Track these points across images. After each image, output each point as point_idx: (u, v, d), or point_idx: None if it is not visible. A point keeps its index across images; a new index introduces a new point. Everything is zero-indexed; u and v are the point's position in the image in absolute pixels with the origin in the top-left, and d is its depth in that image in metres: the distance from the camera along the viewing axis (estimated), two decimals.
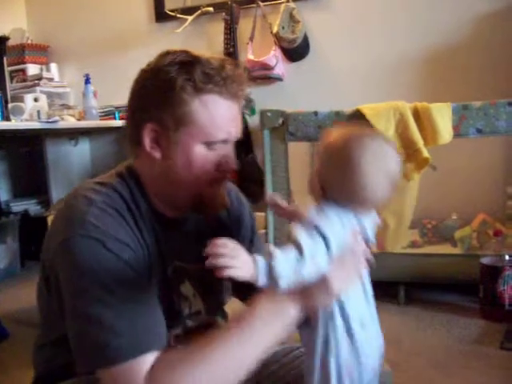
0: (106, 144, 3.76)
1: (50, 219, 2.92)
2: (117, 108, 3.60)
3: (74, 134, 3.76)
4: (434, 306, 2.66)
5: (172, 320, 1.05)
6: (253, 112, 3.47)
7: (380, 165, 0.95)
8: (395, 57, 3.28)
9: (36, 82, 3.66)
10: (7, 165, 3.90)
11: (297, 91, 3.39)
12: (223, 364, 0.90)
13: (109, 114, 3.67)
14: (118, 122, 3.55)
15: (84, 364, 0.94)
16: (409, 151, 2.52)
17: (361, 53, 3.36)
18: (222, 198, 1.09)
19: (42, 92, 3.57)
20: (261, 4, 3.48)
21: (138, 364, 0.89)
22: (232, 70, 1.01)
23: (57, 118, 3.19)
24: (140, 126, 1.01)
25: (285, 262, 0.87)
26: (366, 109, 2.60)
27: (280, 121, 2.69)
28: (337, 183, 0.96)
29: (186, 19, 3.64)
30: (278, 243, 0.93)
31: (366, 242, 1.02)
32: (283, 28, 3.36)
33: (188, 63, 0.99)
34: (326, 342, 0.97)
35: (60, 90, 3.85)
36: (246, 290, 1.03)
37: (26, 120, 3.24)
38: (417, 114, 2.54)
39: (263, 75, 3.41)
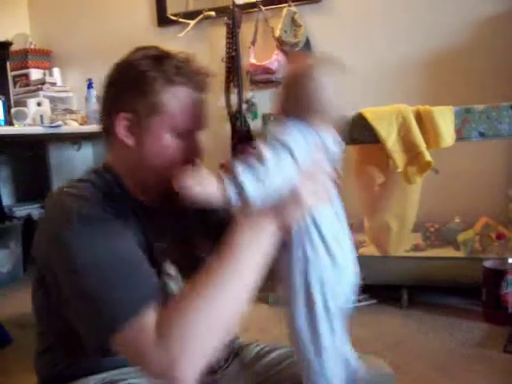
0: None
1: None
2: None
3: (76, 139, 3.77)
4: (437, 309, 2.65)
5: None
6: (255, 116, 3.48)
7: (329, 72, 1.05)
8: (397, 60, 3.29)
9: (39, 86, 3.67)
10: (10, 169, 3.91)
11: None
12: (222, 297, 0.93)
13: None
14: None
15: (94, 339, 0.96)
16: (411, 154, 2.52)
17: (363, 56, 3.36)
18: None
19: (44, 97, 3.59)
20: (263, 8, 3.49)
21: (143, 319, 0.92)
22: (198, 65, 1.10)
23: (60, 122, 3.20)
24: (114, 115, 1.07)
25: (248, 173, 0.91)
26: (368, 112, 2.60)
27: None
28: (295, 96, 1.02)
29: (189, 23, 3.65)
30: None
31: (331, 162, 1.05)
32: (285, 32, 3.37)
33: (159, 57, 1.07)
34: (306, 260, 1.00)
35: (63, 95, 3.86)
36: None
37: (29, 125, 3.25)
38: (419, 118, 2.54)
39: (265, 79, 3.41)
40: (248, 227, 0.98)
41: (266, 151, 0.93)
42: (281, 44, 3.39)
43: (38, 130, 3.20)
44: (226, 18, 3.50)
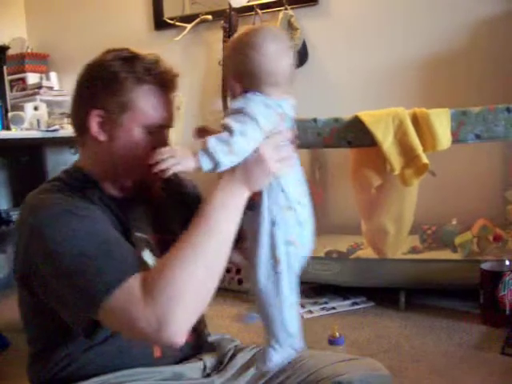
0: None
1: None
2: None
3: (73, 143, 3.73)
4: (435, 311, 2.66)
5: None
6: None
7: (276, 44, 1.10)
8: (394, 63, 3.29)
9: (36, 90, 3.67)
10: (7, 173, 3.90)
11: (295, 98, 3.39)
12: (202, 253, 1.00)
13: None
14: None
15: (81, 314, 1.01)
16: (408, 157, 2.52)
17: (359, 59, 3.37)
18: (160, 182, 1.25)
19: (41, 101, 3.58)
20: (259, 12, 3.49)
21: (130, 284, 0.98)
22: (166, 66, 1.18)
23: (57, 126, 3.20)
24: (87, 112, 1.14)
25: (218, 143, 1.01)
26: (365, 115, 2.61)
27: None
28: (248, 67, 1.08)
29: (185, 27, 3.65)
30: None
31: (290, 127, 1.16)
32: None
33: (129, 58, 1.14)
34: (273, 222, 1.09)
35: (60, 99, 3.86)
36: None
37: (26, 129, 3.25)
38: (416, 121, 2.54)
39: None
40: (221, 190, 1.07)
41: (233, 122, 1.02)
42: None
43: (34, 134, 3.20)
44: (222, 22, 3.51)
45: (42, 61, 4.03)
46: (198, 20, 3.62)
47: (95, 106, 1.14)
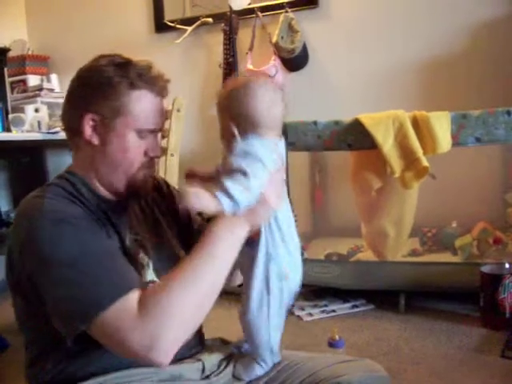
0: None
1: None
2: None
3: None
4: (434, 314, 2.66)
5: None
6: None
7: (272, 92, 1.18)
8: (394, 66, 3.29)
9: (36, 92, 3.67)
10: (8, 175, 3.90)
11: (296, 101, 3.39)
12: (199, 281, 1.03)
13: None
14: None
15: (72, 326, 1.00)
16: (408, 160, 2.52)
17: (360, 62, 3.37)
18: (150, 182, 1.27)
19: (42, 103, 3.58)
20: (260, 14, 3.50)
21: (126, 300, 1.00)
22: (158, 71, 1.20)
23: (57, 128, 3.20)
24: (81, 117, 1.15)
25: (235, 184, 1.07)
26: (365, 118, 2.61)
27: None
28: (244, 114, 1.15)
29: (186, 30, 3.65)
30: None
31: (282, 163, 1.21)
32: (282, 38, 3.38)
33: (122, 64, 1.17)
34: (269, 256, 1.16)
35: (60, 101, 3.81)
36: None
37: (27, 131, 3.25)
38: (416, 123, 2.55)
39: None
40: (224, 223, 1.09)
41: (244, 165, 1.08)
42: (278, 50, 3.40)
43: (35, 136, 3.20)
44: (223, 25, 3.51)
45: (42, 63, 4.03)
46: (198, 23, 3.62)
47: (89, 110, 1.15)
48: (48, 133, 3.23)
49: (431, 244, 3.02)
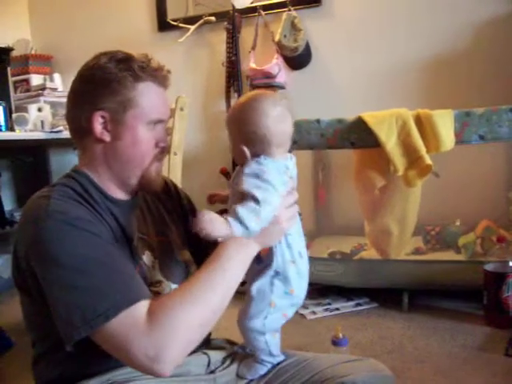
0: None
1: None
2: None
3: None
4: (438, 312, 2.65)
5: None
6: None
7: (280, 107, 1.18)
8: (397, 64, 3.29)
9: (40, 92, 3.67)
10: (11, 175, 3.91)
11: (299, 99, 3.40)
12: (208, 296, 1.04)
13: None
14: None
15: (74, 331, 0.99)
16: (411, 158, 2.52)
17: (363, 60, 3.37)
18: (161, 175, 1.29)
19: (45, 102, 3.58)
20: (262, 13, 3.50)
21: (135, 310, 1.00)
22: (158, 63, 1.22)
23: (60, 127, 3.21)
24: (89, 115, 1.16)
25: (247, 212, 1.08)
26: (369, 116, 2.61)
27: None
28: (249, 132, 1.16)
29: (189, 28, 3.66)
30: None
31: (293, 183, 1.22)
32: (285, 36, 3.37)
33: (124, 59, 1.18)
34: (276, 272, 1.18)
35: (63, 100, 3.79)
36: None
37: (30, 130, 3.25)
38: (419, 122, 2.54)
39: (265, 83, 3.41)
40: (235, 242, 1.09)
41: (255, 191, 1.09)
42: (281, 48, 3.40)
43: (38, 135, 3.20)
44: (226, 23, 3.51)
45: (45, 62, 4.04)
46: (201, 21, 3.62)
47: (97, 108, 1.15)
48: (51, 132, 3.23)
49: (435, 242, 3.02)
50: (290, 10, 3.40)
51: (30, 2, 4.32)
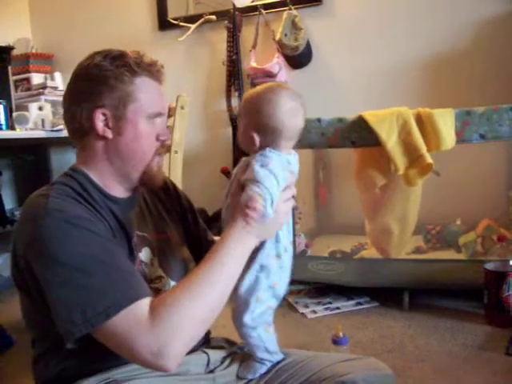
0: None
1: None
2: None
3: None
4: (439, 311, 2.65)
5: None
6: None
7: (294, 101, 1.22)
8: (398, 63, 3.29)
9: (40, 90, 3.68)
10: (12, 173, 3.92)
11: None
12: (208, 291, 1.05)
13: None
14: None
15: (74, 329, 0.99)
16: (412, 157, 2.52)
17: (363, 59, 3.37)
18: (162, 170, 1.30)
19: (46, 101, 3.59)
20: (263, 12, 3.50)
21: (136, 307, 1.01)
22: (150, 58, 1.23)
23: (61, 126, 3.21)
24: (89, 114, 1.16)
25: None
26: (369, 115, 2.61)
27: None
28: (262, 122, 1.20)
29: (189, 27, 3.66)
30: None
31: (294, 179, 1.25)
32: (286, 35, 3.37)
33: (118, 56, 1.19)
34: (261, 265, 1.21)
35: None
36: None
37: (31, 129, 3.26)
38: (420, 120, 2.54)
39: (266, 82, 3.41)
40: (234, 236, 1.12)
41: (260, 179, 1.13)
42: (281, 47, 3.40)
43: (39, 134, 3.21)
44: (226, 22, 3.52)
45: (46, 61, 4.04)
46: (202, 20, 3.63)
47: (97, 105, 1.16)
48: (52, 131, 3.24)
49: (435, 241, 3.02)
50: (290, 9, 3.40)
51: (30, 0, 4.32)
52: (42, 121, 3.34)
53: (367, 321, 2.59)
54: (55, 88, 3.77)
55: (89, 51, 1.25)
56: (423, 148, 2.49)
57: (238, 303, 1.21)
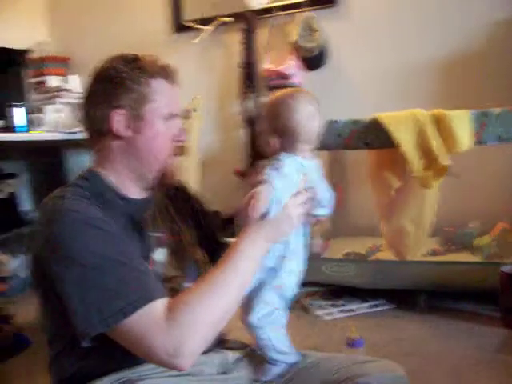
0: None
1: None
2: None
3: None
4: (454, 314, 2.64)
5: None
6: None
7: (312, 106, 1.27)
8: (411, 64, 3.28)
9: (56, 93, 3.70)
10: (28, 175, 3.95)
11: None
12: (223, 292, 1.08)
13: None
14: None
15: (89, 328, 1.01)
16: (428, 159, 2.51)
17: (377, 61, 3.36)
18: (177, 172, 1.31)
19: (62, 103, 3.62)
20: (279, 13, 3.50)
21: (152, 308, 1.02)
22: (165, 62, 1.25)
23: (77, 128, 3.23)
24: (107, 115, 1.19)
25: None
26: (385, 117, 2.60)
27: None
28: (281, 125, 1.25)
29: (204, 30, 3.67)
30: None
31: (310, 186, 1.26)
32: (301, 37, 3.37)
33: (133, 59, 1.22)
34: (267, 267, 1.22)
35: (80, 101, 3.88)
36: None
37: (47, 131, 3.28)
38: (436, 122, 2.53)
39: (281, 84, 3.41)
40: (248, 238, 1.15)
41: (273, 179, 1.16)
42: (297, 49, 3.39)
43: (55, 136, 3.23)
44: (241, 24, 3.52)
45: (62, 64, 4.07)
46: (216, 22, 3.63)
47: (114, 106, 1.18)
48: (68, 133, 3.26)
49: (451, 244, 3.01)
50: (306, 11, 3.40)
51: (47, 4, 4.36)
52: (58, 123, 3.37)
53: (382, 323, 2.58)
54: (71, 91, 3.80)
55: (105, 54, 1.27)
56: (439, 150, 2.48)
57: (243, 303, 1.22)
